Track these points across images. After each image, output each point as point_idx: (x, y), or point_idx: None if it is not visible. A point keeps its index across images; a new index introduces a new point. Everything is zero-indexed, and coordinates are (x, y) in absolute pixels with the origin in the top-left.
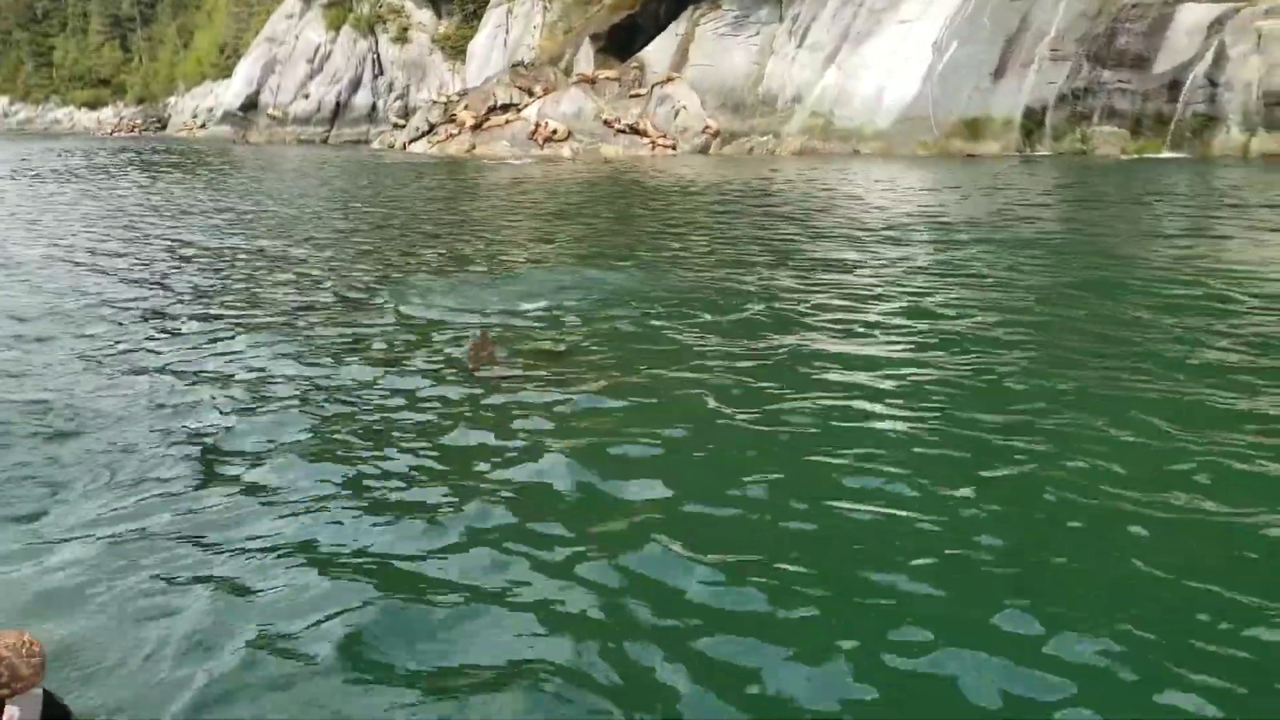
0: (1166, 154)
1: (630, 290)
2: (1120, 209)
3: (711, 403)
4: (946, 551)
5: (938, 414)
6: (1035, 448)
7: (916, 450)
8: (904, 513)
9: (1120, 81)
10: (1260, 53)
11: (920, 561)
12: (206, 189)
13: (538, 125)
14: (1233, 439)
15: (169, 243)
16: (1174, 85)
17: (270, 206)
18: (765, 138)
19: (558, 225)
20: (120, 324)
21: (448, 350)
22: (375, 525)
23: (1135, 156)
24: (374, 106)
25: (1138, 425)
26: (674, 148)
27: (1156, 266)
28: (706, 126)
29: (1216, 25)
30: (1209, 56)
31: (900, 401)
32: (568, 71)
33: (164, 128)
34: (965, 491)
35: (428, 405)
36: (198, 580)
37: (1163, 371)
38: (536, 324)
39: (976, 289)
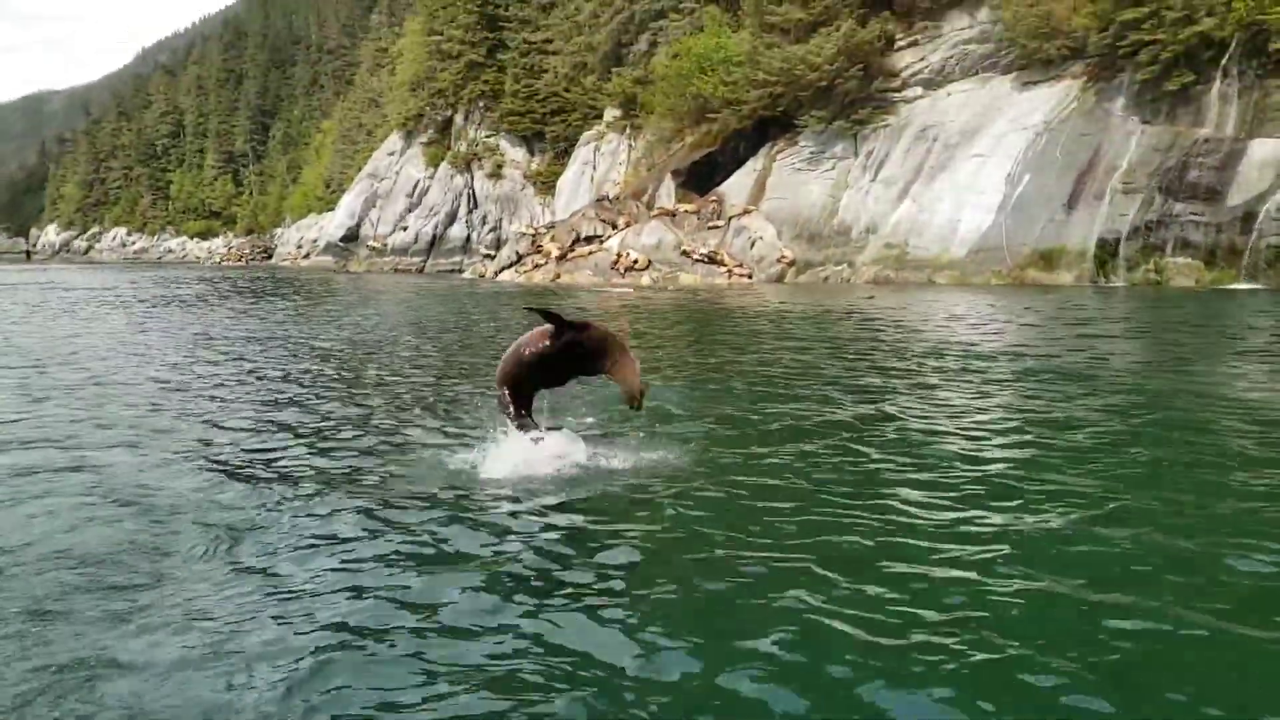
0: (1242, 284)
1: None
2: (1198, 336)
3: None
4: None
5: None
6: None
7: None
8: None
9: (1193, 214)
10: None
11: None
12: (299, 315)
13: (619, 255)
14: None
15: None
16: (1247, 217)
17: (359, 324)
18: (840, 267)
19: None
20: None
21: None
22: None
23: (1210, 288)
24: (468, 238)
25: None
26: (750, 276)
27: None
28: (781, 256)
29: None
30: None
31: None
32: (650, 205)
33: (269, 257)
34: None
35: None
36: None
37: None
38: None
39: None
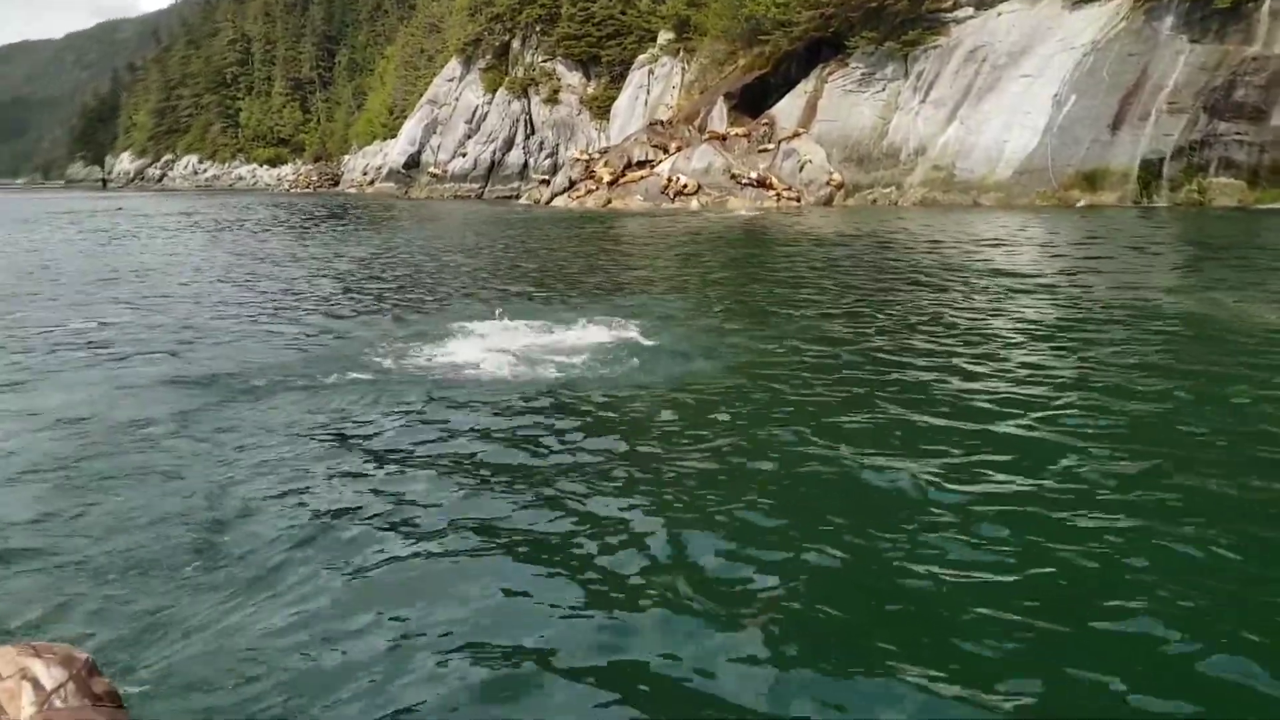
0: None
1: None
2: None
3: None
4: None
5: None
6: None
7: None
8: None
9: (1238, 133)
10: None
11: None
12: (358, 238)
13: (669, 180)
14: None
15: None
16: None
17: (414, 245)
18: (889, 189)
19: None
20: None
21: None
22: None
23: (1254, 206)
24: (525, 164)
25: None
26: (799, 200)
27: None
28: (830, 179)
29: None
30: None
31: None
32: (702, 129)
33: (336, 184)
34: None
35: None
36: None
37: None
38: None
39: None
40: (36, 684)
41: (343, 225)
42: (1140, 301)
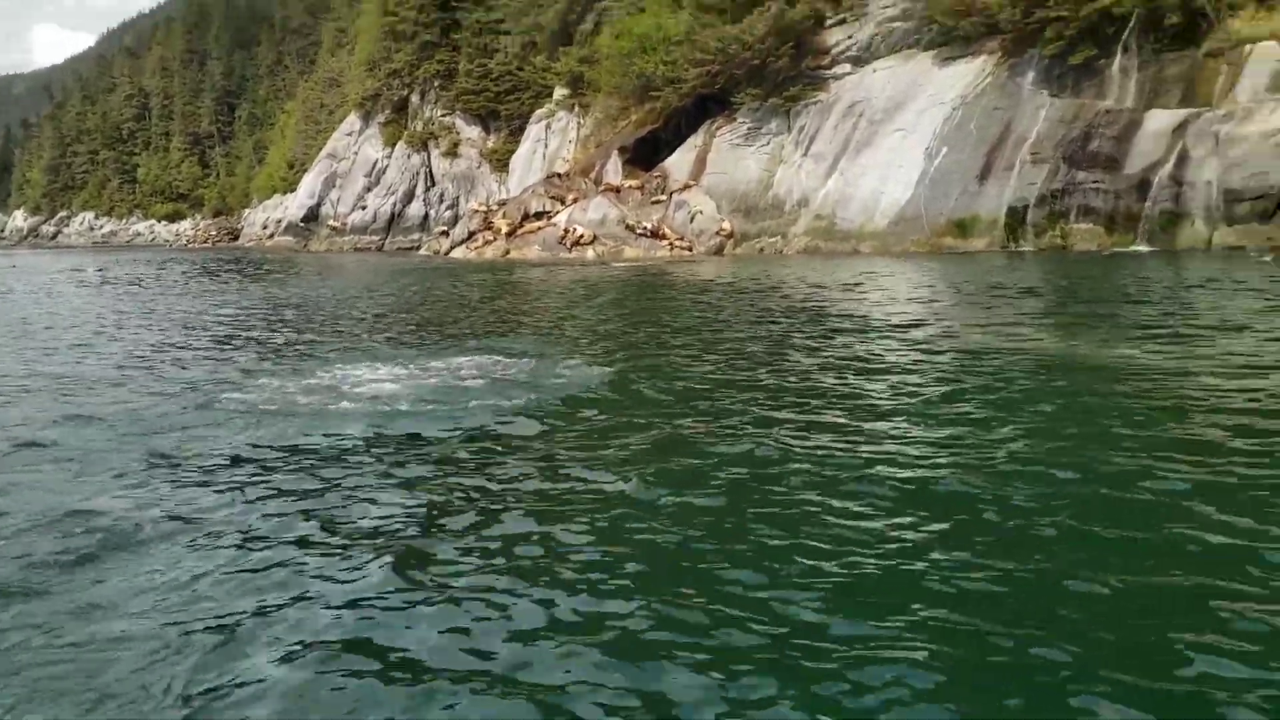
0: (1139, 247)
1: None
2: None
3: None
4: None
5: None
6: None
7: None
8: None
9: (1094, 182)
10: (1217, 155)
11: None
12: (251, 288)
13: (566, 230)
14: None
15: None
16: (1143, 184)
17: (304, 296)
18: (775, 239)
19: (567, 312)
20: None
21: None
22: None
23: (1111, 251)
24: (426, 216)
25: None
26: (690, 249)
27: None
28: (720, 229)
29: (1180, 129)
30: (1173, 159)
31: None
32: (597, 181)
33: (236, 239)
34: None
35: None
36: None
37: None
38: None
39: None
40: None
41: (231, 278)
42: (1000, 340)
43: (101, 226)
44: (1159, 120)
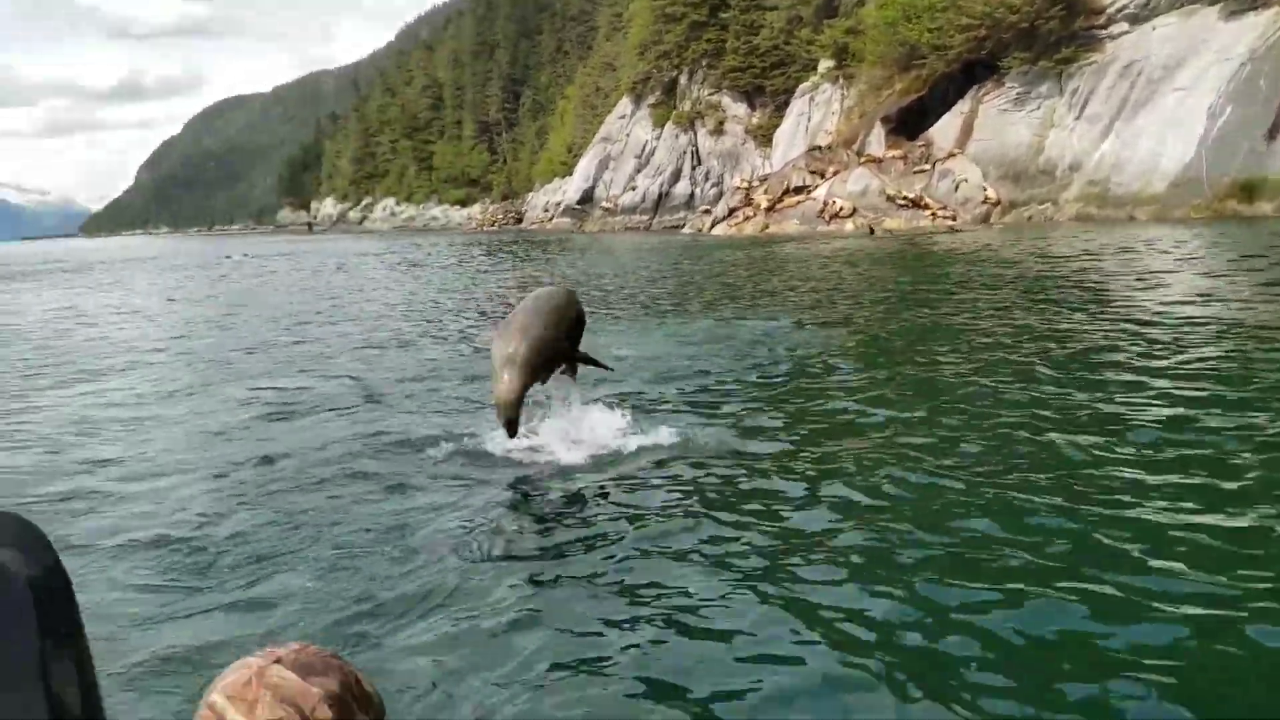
0: None
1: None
2: None
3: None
4: None
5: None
6: None
7: None
8: None
9: None
10: None
11: None
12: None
13: (825, 204)
14: None
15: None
16: None
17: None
18: (1044, 206)
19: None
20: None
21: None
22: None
23: None
24: (692, 194)
25: None
26: (954, 219)
27: None
28: (986, 197)
29: None
30: None
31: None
32: (860, 153)
33: (520, 221)
34: None
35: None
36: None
37: None
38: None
39: None
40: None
41: (506, 257)
42: None
43: (401, 212)
44: None
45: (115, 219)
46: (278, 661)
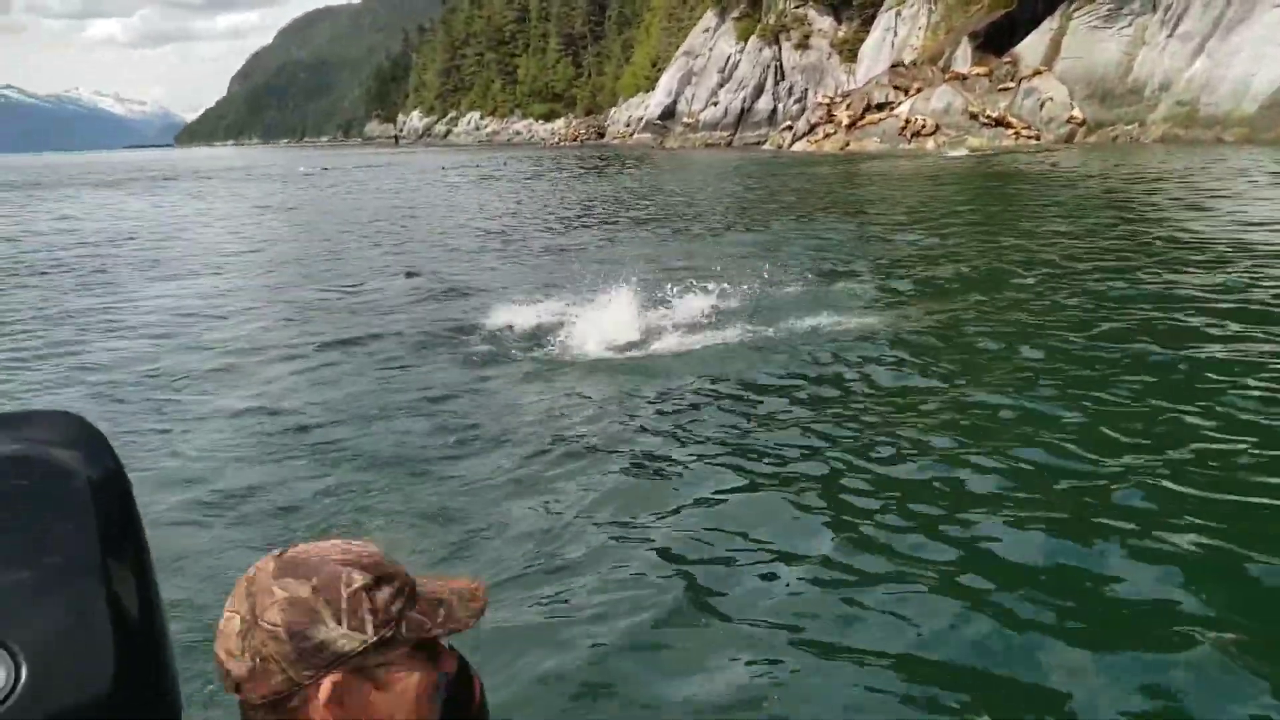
0: None
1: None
2: None
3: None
4: None
5: None
6: None
7: None
8: None
9: None
10: None
11: None
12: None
13: (907, 121)
14: None
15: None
16: None
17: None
18: (1130, 126)
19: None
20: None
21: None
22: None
23: None
24: (774, 110)
25: None
26: (1037, 138)
27: None
28: (1071, 116)
29: None
30: None
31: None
32: (945, 70)
33: (602, 136)
34: None
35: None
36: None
37: None
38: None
39: None
40: (378, 602)
41: (589, 175)
42: None
43: (486, 126)
44: None
45: (208, 130)
46: (279, 557)
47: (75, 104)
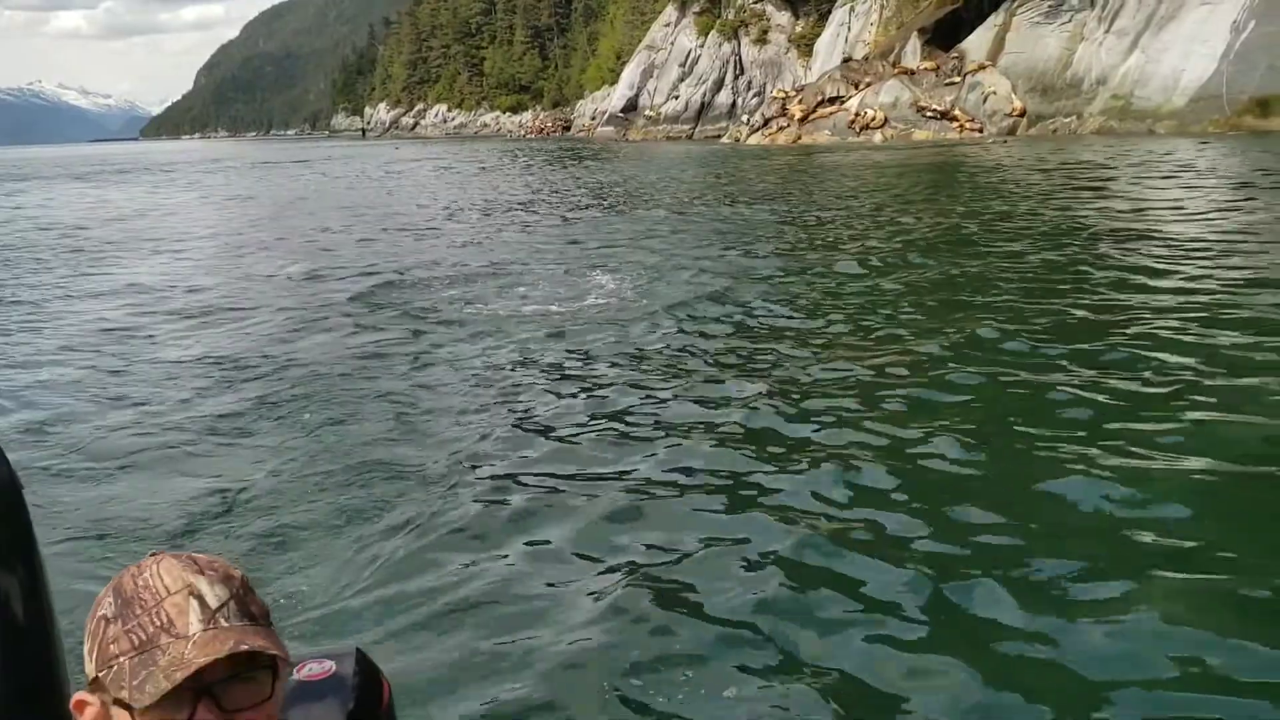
0: None
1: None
2: None
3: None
4: None
5: None
6: None
7: None
8: None
9: None
10: None
11: None
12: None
13: (857, 115)
14: None
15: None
16: None
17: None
18: (1069, 119)
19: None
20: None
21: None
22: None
23: None
24: (734, 104)
25: None
26: (980, 130)
27: None
28: (1012, 109)
29: None
30: None
31: None
32: (895, 64)
33: (568, 129)
34: None
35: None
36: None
37: None
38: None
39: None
40: (203, 601)
41: (553, 167)
42: None
43: (453, 118)
44: None
45: (174, 123)
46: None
47: (39, 98)
